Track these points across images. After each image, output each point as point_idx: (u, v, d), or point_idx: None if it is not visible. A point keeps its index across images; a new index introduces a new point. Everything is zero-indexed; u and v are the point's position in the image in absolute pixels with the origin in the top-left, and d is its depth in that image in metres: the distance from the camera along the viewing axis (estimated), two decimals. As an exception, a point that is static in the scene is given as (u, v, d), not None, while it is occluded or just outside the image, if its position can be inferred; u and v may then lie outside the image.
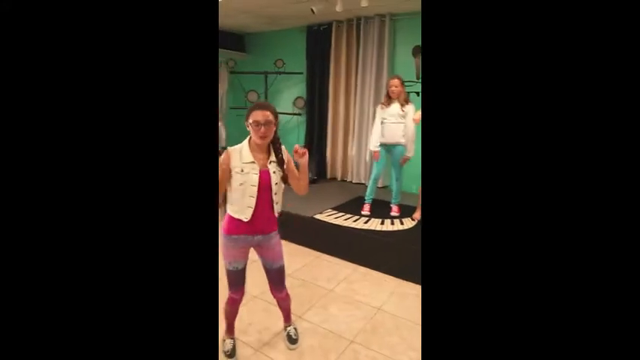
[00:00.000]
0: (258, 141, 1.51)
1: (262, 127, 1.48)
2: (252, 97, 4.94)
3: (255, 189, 1.52)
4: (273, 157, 1.57)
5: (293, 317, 2.02)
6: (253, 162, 1.52)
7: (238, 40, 5.27)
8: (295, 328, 1.98)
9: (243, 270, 1.70)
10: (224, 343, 1.91)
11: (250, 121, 1.49)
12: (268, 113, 1.50)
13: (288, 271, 1.80)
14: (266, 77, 4.87)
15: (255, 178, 1.52)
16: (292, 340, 1.93)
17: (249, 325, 2.12)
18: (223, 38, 4.98)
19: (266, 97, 4.91)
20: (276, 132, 1.58)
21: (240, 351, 1.91)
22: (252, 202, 1.53)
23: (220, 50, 4.90)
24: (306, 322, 2.18)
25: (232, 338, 1.93)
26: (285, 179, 1.59)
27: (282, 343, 1.92)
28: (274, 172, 1.55)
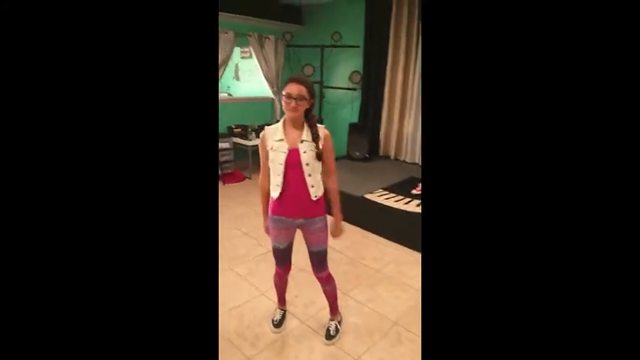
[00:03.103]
0: (288, 114, 1.48)
1: (293, 102, 1.44)
2: (309, 70, 4.91)
3: (282, 167, 1.50)
4: (306, 136, 1.51)
5: (339, 294, 1.98)
6: (282, 140, 1.50)
7: (295, 13, 5.19)
8: (337, 324, 1.94)
9: (287, 249, 1.74)
10: (274, 313, 2.01)
11: (283, 93, 1.46)
12: (302, 88, 1.45)
13: (335, 247, 1.81)
14: (322, 50, 4.79)
15: (282, 157, 1.49)
16: (329, 337, 1.88)
17: (296, 298, 2.20)
18: (280, 11, 4.93)
19: (322, 71, 4.85)
20: (311, 110, 1.53)
21: (287, 322, 2.00)
22: (280, 180, 1.52)
23: (277, 23, 4.88)
24: (352, 299, 2.22)
25: (282, 310, 2.02)
26: (319, 156, 1.53)
27: (326, 319, 1.97)
28: (305, 152, 1.50)
